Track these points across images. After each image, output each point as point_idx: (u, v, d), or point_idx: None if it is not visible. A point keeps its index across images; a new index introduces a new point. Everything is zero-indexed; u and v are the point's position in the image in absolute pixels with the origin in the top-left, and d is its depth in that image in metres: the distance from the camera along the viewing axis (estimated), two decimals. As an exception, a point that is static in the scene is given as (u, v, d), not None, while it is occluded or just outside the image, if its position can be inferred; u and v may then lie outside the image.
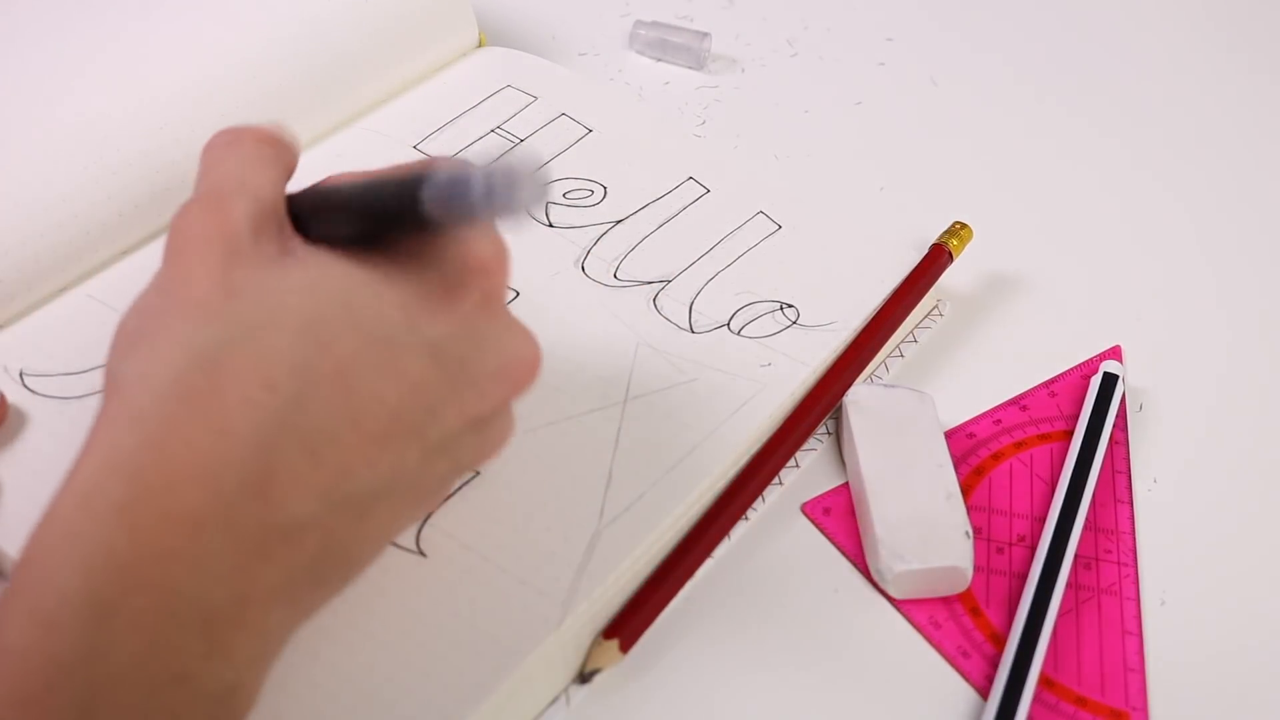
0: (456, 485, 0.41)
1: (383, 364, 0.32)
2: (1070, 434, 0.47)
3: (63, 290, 0.48)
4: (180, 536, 0.30)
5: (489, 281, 0.35)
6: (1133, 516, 0.45)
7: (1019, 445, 0.47)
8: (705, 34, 0.63)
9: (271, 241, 0.34)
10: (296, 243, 0.35)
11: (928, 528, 0.42)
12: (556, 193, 0.53)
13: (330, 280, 0.33)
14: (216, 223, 0.33)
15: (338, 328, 0.32)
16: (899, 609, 0.42)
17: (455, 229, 0.34)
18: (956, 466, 0.45)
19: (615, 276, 0.49)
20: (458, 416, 0.34)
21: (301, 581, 0.32)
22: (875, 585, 0.42)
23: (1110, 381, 0.48)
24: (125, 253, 0.49)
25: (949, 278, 0.51)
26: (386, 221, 0.34)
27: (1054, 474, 0.46)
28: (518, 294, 0.48)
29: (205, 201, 0.34)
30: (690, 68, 0.64)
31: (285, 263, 0.34)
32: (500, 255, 0.35)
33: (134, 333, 0.33)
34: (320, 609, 0.35)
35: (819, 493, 0.45)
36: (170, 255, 0.34)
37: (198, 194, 0.35)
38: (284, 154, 0.37)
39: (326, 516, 0.32)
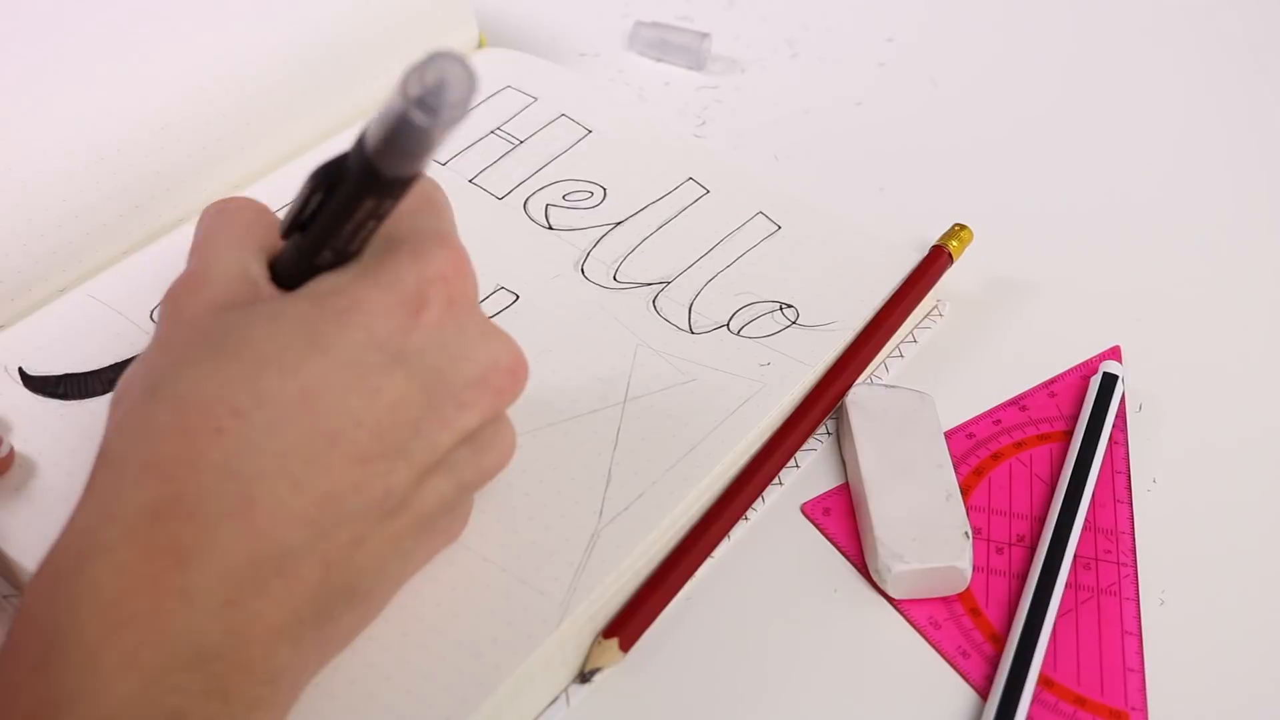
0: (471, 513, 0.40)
1: (352, 385, 0.32)
2: (1070, 434, 0.47)
3: (63, 290, 0.48)
4: (166, 569, 0.30)
5: (450, 289, 0.34)
6: (1132, 517, 0.45)
7: (1018, 445, 0.47)
8: (705, 34, 0.63)
9: (241, 297, 0.34)
10: (270, 292, 0.35)
11: (927, 528, 0.42)
12: (556, 195, 0.53)
13: (292, 310, 0.33)
14: (189, 293, 0.34)
15: (301, 352, 0.32)
16: (898, 609, 0.42)
17: (412, 164, 0.32)
18: (956, 467, 0.45)
19: (615, 279, 0.49)
20: (443, 431, 0.34)
21: (305, 617, 0.32)
22: (875, 585, 0.42)
23: (1110, 382, 0.48)
24: (125, 253, 0.49)
25: (949, 278, 0.51)
26: (341, 215, 0.33)
27: (1054, 474, 0.46)
28: (517, 297, 0.48)
29: (185, 277, 0.35)
30: (690, 68, 0.64)
31: (252, 305, 0.34)
32: (458, 261, 0.35)
33: (115, 394, 0.34)
34: (330, 657, 0.35)
35: (819, 493, 0.45)
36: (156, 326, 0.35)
37: (186, 269, 0.36)
38: (264, 218, 0.37)
39: (319, 543, 0.32)
